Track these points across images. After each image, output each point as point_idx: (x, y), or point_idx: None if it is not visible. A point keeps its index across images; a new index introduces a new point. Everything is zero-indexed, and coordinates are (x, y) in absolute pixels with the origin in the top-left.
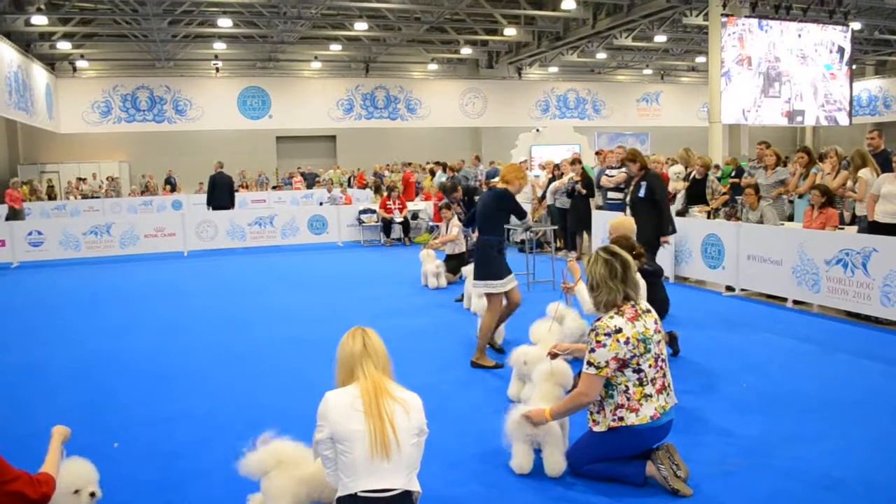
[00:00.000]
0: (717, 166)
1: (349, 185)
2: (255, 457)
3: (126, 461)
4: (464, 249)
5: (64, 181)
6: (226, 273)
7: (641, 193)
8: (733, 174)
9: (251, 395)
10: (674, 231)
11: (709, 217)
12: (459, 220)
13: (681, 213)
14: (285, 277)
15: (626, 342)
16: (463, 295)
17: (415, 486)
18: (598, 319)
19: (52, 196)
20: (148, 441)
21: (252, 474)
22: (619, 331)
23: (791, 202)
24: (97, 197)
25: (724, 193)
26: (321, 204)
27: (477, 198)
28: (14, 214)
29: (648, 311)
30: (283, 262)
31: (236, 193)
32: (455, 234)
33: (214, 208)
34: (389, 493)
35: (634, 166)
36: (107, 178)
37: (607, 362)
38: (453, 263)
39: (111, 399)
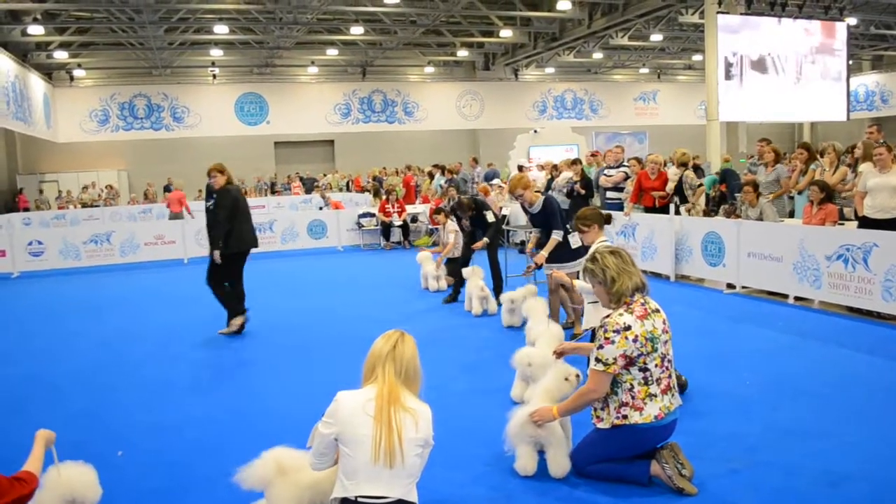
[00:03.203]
0: (696, 167)
1: (347, 189)
2: (256, 469)
3: (130, 469)
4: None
5: (64, 190)
6: None
7: (211, 205)
8: (718, 180)
9: (254, 401)
10: (239, 246)
11: (689, 213)
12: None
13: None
14: (285, 283)
15: (635, 340)
16: (450, 295)
17: (412, 497)
18: (608, 316)
19: (38, 207)
20: (152, 449)
21: (255, 487)
22: (628, 328)
23: (791, 198)
24: (97, 205)
25: (700, 185)
26: (321, 209)
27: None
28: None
29: (657, 310)
30: (284, 267)
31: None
32: (453, 241)
33: None
34: (386, 499)
35: (222, 178)
36: (106, 187)
37: (615, 359)
38: (453, 266)
39: (115, 407)
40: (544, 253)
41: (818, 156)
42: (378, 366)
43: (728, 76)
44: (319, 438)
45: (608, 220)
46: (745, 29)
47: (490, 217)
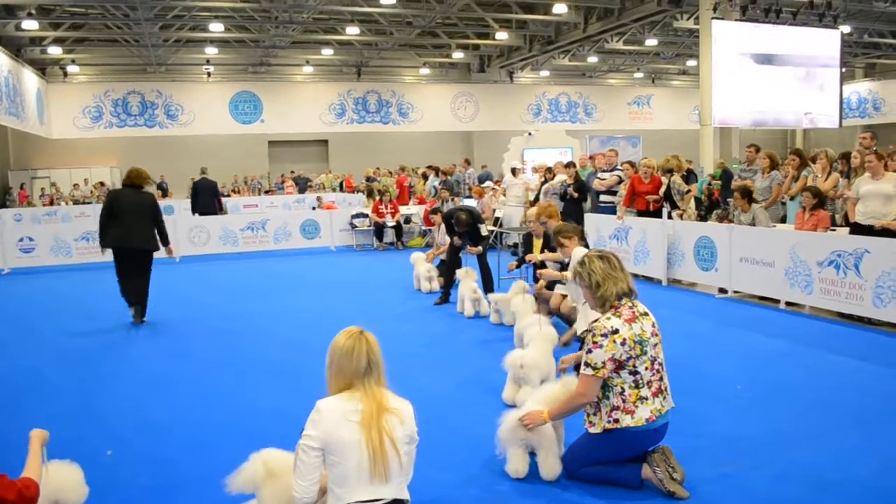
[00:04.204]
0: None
1: (340, 189)
2: (245, 472)
3: (122, 467)
4: None
5: (52, 187)
6: (219, 278)
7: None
8: (721, 178)
9: (246, 399)
10: (107, 242)
11: (681, 218)
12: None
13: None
14: (278, 282)
15: (623, 343)
16: (441, 296)
17: (405, 495)
18: (596, 320)
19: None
20: (144, 447)
21: (244, 489)
22: (615, 332)
23: (784, 204)
24: (88, 202)
25: (688, 191)
26: (314, 208)
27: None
28: None
29: (646, 313)
30: (276, 266)
31: (227, 198)
32: (448, 243)
33: (200, 214)
34: (382, 501)
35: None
36: (98, 184)
37: (604, 363)
38: (443, 268)
39: (107, 404)
40: (538, 255)
41: (810, 162)
42: (357, 381)
43: (722, 82)
44: (307, 455)
45: (577, 232)
46: (739, 35)
47: (484, 231)
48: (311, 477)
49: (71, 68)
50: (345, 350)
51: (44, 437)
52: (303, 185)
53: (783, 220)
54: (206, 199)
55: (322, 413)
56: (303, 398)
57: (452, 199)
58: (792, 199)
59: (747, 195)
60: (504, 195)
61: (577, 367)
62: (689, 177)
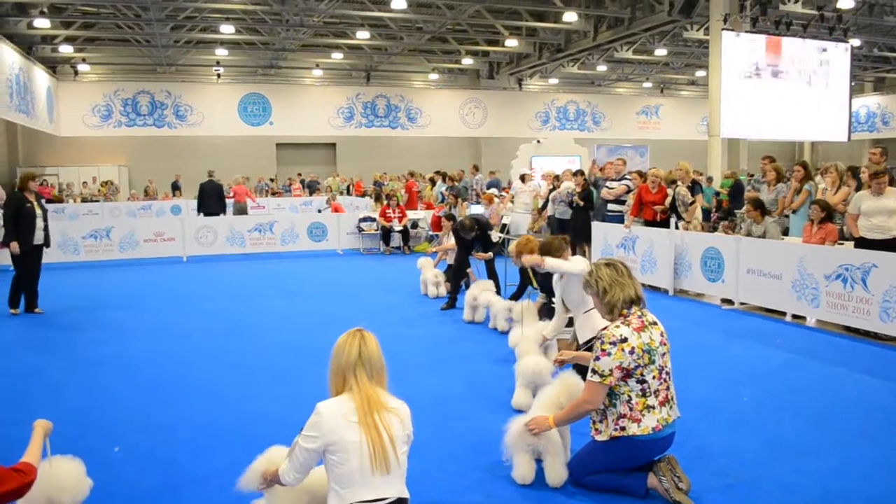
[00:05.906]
0: (709, 178)
1: (348, 193)
2: (253, 470)
3: (126, 467)
4: None
5: (64, 184)
6: (225, 279)
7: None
8: (731, 188)
9: (250, 401)
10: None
11: (686, 229)
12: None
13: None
14: (284, 284)
15: (631, 352)
16: (448, 302)
17: (406, 493)
18: (605, 328)
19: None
20: (147, 447)
21: (253, 487)
22: (624, 340)
23: (786, 216)
24: (96, 201)
25: (693, 202)
26: (320, 211)
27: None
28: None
29: (655, 322)
30: (283, 269)
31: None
32: (453, 243)
33: (206, 215)
34: (386, 500)
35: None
36: (107, 182)
37: (611, 371)
38: (449, 273)
39: (111, 404)
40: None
41: (820, 174)
42: (349, 375)
43: (731, 93)
44: (304, 454)
45: (565, 242)
46: (749, 47)
47: (494, 238)
48: (303, 470)
49: (81, 67)
50: (338, 346)
51: (47, 427)
52: (310, 188)
53: (786, 232)
54: (212, 200)
55: (323, 416)
56: (305, 401)
57: (459, 205)
58: (794, 212)
59: (760, 207)
60: (512, 202)
61: (575, 367)
62: (694, 188)
